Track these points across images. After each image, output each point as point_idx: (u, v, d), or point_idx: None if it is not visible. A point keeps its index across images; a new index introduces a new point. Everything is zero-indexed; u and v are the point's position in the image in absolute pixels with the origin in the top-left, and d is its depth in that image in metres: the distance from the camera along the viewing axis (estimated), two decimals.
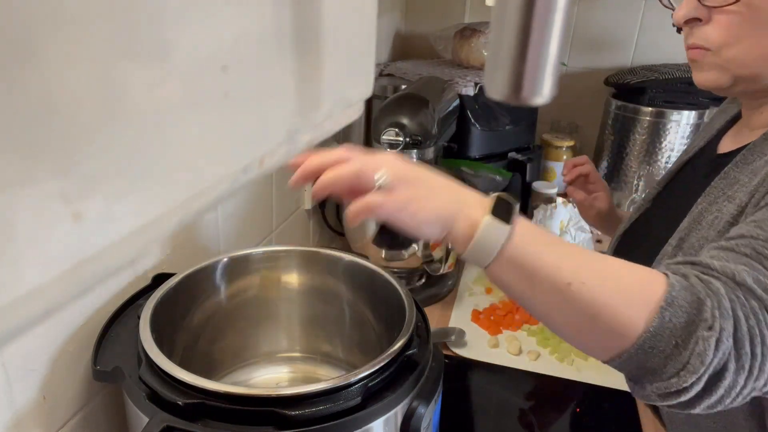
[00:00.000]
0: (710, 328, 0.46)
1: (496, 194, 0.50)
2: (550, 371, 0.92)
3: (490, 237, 0.49)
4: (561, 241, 0.54)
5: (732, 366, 0.46)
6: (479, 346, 0.98)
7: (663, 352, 0.47)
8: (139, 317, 0.56)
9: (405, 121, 0.94)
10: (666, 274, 0.49)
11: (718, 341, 0.45)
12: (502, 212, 0.48)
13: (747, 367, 0.47)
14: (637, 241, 0.79)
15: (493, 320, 1.04)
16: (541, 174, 1.58)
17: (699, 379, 0.46)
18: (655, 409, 0.81)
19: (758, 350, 0.47)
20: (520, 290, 0.52)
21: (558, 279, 0.48)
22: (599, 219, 1.03)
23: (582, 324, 0.50)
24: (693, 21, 0.68)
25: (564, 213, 1.26)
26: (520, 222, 0.49)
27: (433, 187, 0.52)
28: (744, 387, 0.47)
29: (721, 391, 0.47)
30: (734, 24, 0.64)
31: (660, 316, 0.46)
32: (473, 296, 1.13)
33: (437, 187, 0.52)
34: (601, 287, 0.48)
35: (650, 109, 1.43)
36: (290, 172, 0.56)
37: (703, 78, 0.69)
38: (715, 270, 0.50)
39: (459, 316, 1.06)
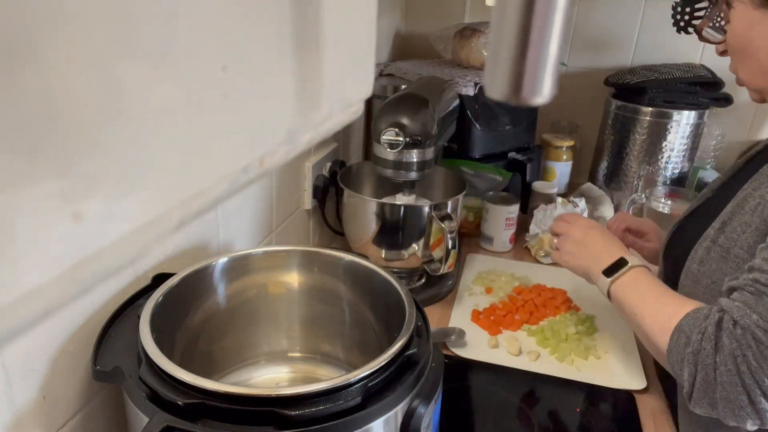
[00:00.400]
0: (695, 353, 0.64)
1: (617, 259, 0.82)
2: (550, 371, 0.92)
3: (600, 286, 0.84)
4: (648, 288, 0.77)
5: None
6: (479, 346, 0.98)
7: (676, 362, 0.68)
8: (139, 317, 0.56)
9: (405, 121, 0.94)
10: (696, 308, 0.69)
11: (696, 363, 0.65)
12: (610, 271, 0.81)
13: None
14: (694, 227, 0.82)
15: (493, 320, 1.04)
16: (541, 174, 1.58)
17: (691, 385, 0.65)
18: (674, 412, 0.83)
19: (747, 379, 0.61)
20: (623, 314, 0.80)
21: (629, 312, 0.77)
22: (655, 257, 1.07)
23: (643, 340, 0.77)
24: (722, 53, 0.83)
25: (563, 213, 1.27)
26: (627, 274, 0.80)
27: (585, 247, 0.88)
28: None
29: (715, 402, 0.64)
30: (733, 57, 0.79)
31: (671, 339, 0.68)
32: (473, 296, 1.13)
33: (588, 249, 0.87)
34: (648, 318, 0.73)
35: (650, 109, 1.43)
36: (290, 172, 0.63)
37: (750, 97, 0.82)
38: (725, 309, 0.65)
39: (459, 316, 1.06)
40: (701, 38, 0.85)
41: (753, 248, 0.69)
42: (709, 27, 0.81)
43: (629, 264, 0.79)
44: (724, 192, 0.82)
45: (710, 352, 0.63)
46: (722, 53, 0.82)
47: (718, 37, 0.80)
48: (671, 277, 0.83)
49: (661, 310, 0.71)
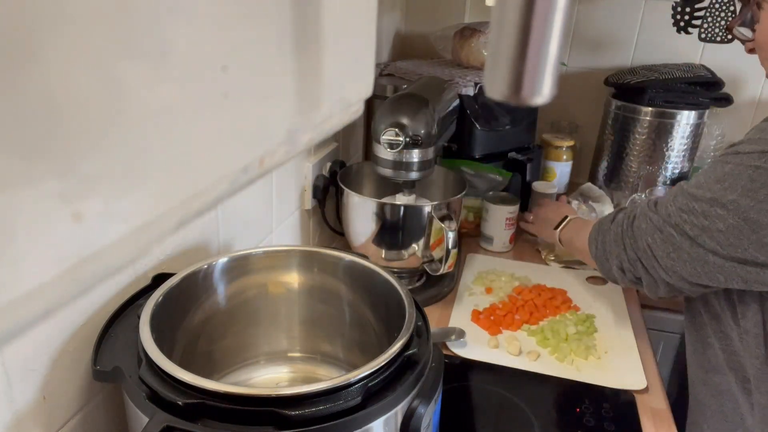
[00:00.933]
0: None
1: (563, 217, 1.14)
2: (550, 371, 0.92)
3: (555, 238, 1.16)
4: (579, 227, 1.07)
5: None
6: (479, 346, 0.98)
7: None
8: (139, 317, 0.56)
9: (405, 121, 0.94)
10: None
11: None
12: (557, 226, 1.14)
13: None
14: None
15: (493, 320, 1.04)
16: (541, 174, 1.58)
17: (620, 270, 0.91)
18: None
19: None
20: (570, 250, 1.12)
21: (571, 246, 1.09)
22: None
23: (585, 261, 1.05)
24: (751, 51, 0.88)
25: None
26: (567, 225, 1.12)
27: (547, 218, 1.19)
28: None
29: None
30: (763, 53, 0.82)
31: (589, 247, 0.97)
32: (473, 296, 1.13)
33: (548, 219, 1.18)
34: (578, 243, 1.04)
35: (650, 109, 1.43)
36: (290, 172, 0.63)
37: None
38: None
39: (459, 316, 1.06)
40: (731, 36, 0.89)
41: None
42: (740, 26, 0.82)
43: (569, 217, 1.11)
44: None
45: (609, 234, 0.92)
46: (750, 51, 0.86)
47: (749, 35, 0.82)
48: None
49: (585, 233, 0.99)
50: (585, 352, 0.96)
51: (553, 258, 1.29)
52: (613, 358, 0.96)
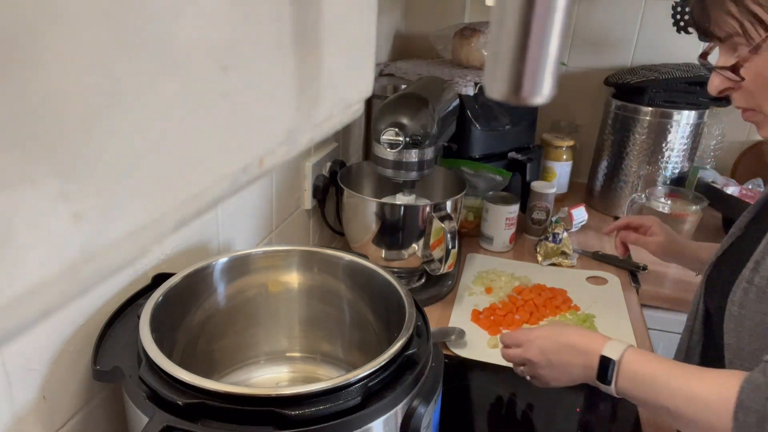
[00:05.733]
0: None
1: (598, 358, 0.71)
2: None
3: (606, 390, 0.72)
4: (654, 375, 0.68)
5: None
6: (479, 346, 0.98)
7: None
8: (139, 317, 0.56)
9: (405, 121, 0.94)
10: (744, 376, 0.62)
11: None
12: (602, 376, 0.71)
13: None
14: (729, 268, 0.80)
15: (493, 320, 1.04)
16: (541, 174, 1.58)
17: None
18: None
19: None
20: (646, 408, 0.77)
21: (655, 406, 0.68)
22: (663, 251, 1.09)
23: (685, 428, 0.68)
24: (726, 90, 0.74)
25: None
26: (621, 371, 0.70)
27: (555, 366, 0.76)
28: None
29: None
30: (756, 86, 0.71)
31: (735, 419, 0.60)
32: (473, 296, 1.13)
33: (560, 365, 0.75)
34: (685, 409, 0.64)
35: (650, 109, 1.43)
36: (290, 172, 0.63)
37: (764, 133, 0.75)
38: None
39: (459, 316, 1.06)
40: (719, 80, 0.74)
41: None
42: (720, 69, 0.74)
43: (611, 359, 0.70)
44: (755, 227, 0.80)
45: None
46: (723, 92, 0.75)
47: (738, 79, 0.71)
48: (718, 321, 0.79)
49: (696, 395, 0.64)
50: None
51: (546, 264, 1.28)
52: None
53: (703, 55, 0.83)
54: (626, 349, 0.70)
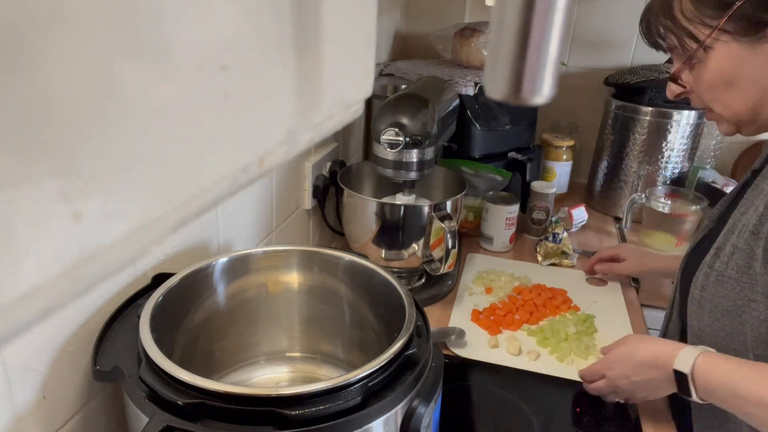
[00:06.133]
0: None
1: (671, 372, 0.71)
2: (550, 371, 0.92)
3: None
4: (734, 381, 0.67)
5: None
6: (479, 346, 0.98)
7: None
8: (139, 317, 0.56)
9: (405, 121, 0.94)
10: None
11: None
12: (682, 388, 0.71)
13: None
14: (698, 257, 0.84)
15: (493, 320, 1.04)
16: (541, 174, 1.58)
17: None
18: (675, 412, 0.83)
19: None
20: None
21: (742, 411, 0.67)
22: (635, 271, 1.19)
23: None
24: (682, 94, 0.81)
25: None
26: (697, 382, 0.70)
27: (637, 383, 0.77)
28: None
29: None
30: (705, 89, 0.77)
31: None
32: (473, 296, 1.13)
33: (641, 381, 0.77)
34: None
35: (650, 109, 1.43)
36: (290, 172, 0.63)
37: (722, 129, 0.81)
38: None
39: (459, 316, 1.06)
40: (674, 86, 0.81)
41: (743, 269, 0.73)
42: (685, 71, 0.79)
43: (685, 373, 0.70)
44: (725, 217, 0.84)
45: None
46: (679, 95, 0.81)
47: (683, 85, 0.79)
48: (685, 306, 0.85)
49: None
50: (585, 352, 0.96)
51: (546, 264, 1.28)
52: None
53: (669, 61, 0.88)
54: (697, 358, 0.69)
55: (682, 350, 0.71)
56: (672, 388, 0.73)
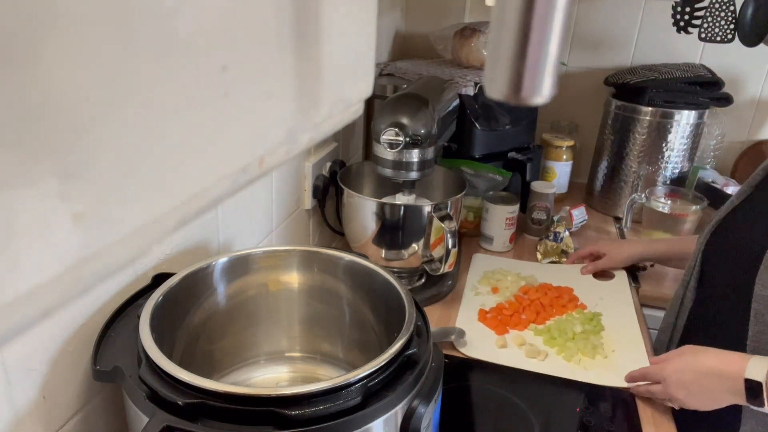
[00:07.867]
0: None
1: (742, 380, 0.70)
2: (558, 371, 0.92)
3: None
4: None
5: None
6: (487, 346, 0.98)
7: None
8: (139, 317, 0.56)
9: (405, 120, 0.94)
10: None
11: None
12: (753, 396, 0.70)
13: None
14: (728, 238, 0.81)
15: (499, 320, 1.04)
16: (541, 174, 1.58)
17: None
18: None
19: None
20: None
21: None
22: (617, 263, 1.21)
23: None
24: None
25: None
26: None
27: (696, 392, 0.76)
28: None
29: None
30: None
31: None
32: (480, 296, 1.13)
33: (702, 390, 0.75)
34: None
35: (650, 109, 1.43)
36: (290, 172, 0.63)
37: None
38: None
39: (466, 316, 1.06)
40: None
41: None
42: None
43: (759, 382, 0.69)
44: (755, 198, 0.80)
45: None
46: None
47: None
48: (717, 286, 0.81)
49: None
50: (592, 351, 0.96)
51: (546, 262, 1.28)
52: (621, 356, 0.96)
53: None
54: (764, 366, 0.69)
55: (752, 360, 0.71)
56: (731, 399, 0.72)
